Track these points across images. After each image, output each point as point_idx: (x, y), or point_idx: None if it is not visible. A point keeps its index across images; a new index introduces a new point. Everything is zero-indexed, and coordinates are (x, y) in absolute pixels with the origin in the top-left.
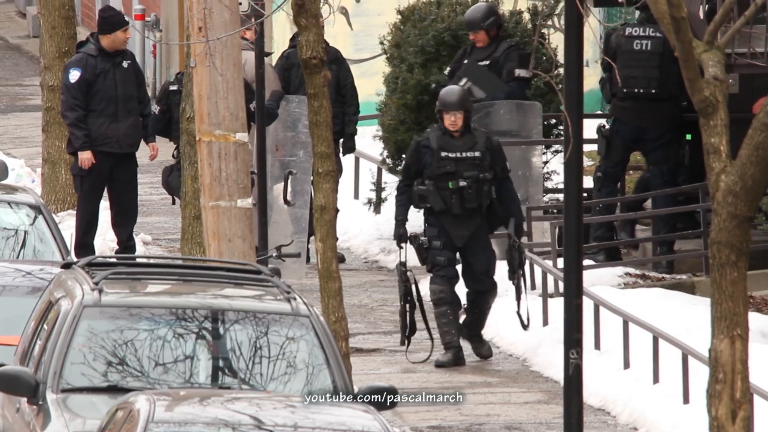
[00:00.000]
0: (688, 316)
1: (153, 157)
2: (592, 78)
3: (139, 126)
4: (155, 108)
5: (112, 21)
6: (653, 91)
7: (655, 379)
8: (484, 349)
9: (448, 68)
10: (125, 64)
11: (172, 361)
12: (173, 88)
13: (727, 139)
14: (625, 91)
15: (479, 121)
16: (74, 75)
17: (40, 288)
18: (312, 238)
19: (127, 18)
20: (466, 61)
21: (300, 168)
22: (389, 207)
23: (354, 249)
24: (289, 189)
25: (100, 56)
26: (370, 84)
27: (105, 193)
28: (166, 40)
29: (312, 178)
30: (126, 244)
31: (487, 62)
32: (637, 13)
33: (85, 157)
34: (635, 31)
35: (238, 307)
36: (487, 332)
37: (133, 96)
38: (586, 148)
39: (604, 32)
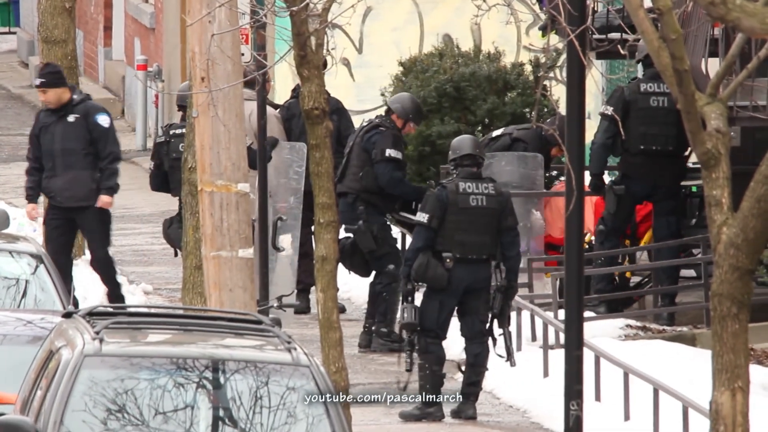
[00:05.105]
0: (688, 368)
1: (101, 207)
2: (594, 130)
3: (82, 180)
4: (151, 164)
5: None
6: (671, 148)
7: None
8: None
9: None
10: (71, 119)
11: (172, 411)
12: (160, 140)
13: (729, 192)
14: (642, 147)
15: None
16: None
17: (41, 337)
18: (313, 288)
19: (38, 80)
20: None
21: (290, 214)
22: None
23: (354, 299)
24: (279, 235)
25: (48, 110)
26: None
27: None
28: (168, 90)
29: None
30: (115, 293)
31: None
32: (639, 66)
33: (27, 209)
34: (650, 87)
35: (238, 357)
36: (487, 384)
37: (75, 150)
38: None
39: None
